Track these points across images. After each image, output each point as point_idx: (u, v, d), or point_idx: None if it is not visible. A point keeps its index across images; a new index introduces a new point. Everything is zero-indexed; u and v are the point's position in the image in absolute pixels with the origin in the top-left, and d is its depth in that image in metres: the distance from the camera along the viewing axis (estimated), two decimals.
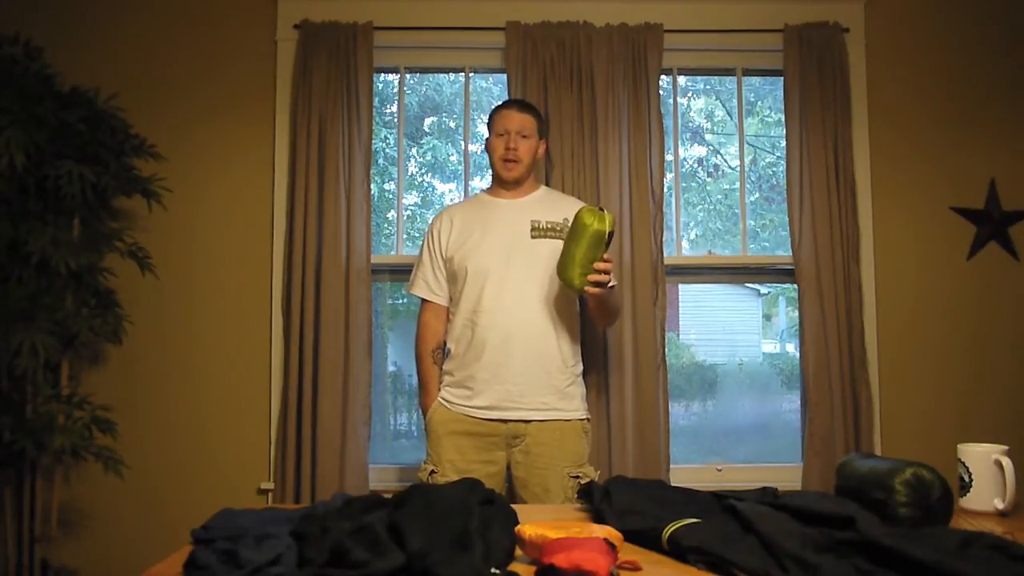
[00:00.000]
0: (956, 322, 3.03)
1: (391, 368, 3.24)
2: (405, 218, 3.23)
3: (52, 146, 2.57)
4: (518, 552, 1.22)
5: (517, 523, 1.27)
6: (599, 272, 2.16)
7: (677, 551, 1.23)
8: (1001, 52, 3.10)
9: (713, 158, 3.45)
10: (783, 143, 3.02)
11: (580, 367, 2.45)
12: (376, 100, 3.03)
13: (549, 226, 2.38)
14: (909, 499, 1.34)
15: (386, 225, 3.25)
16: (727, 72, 3.21)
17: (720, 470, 3.03)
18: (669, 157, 3.04)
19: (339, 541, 1.13)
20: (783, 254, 3.09)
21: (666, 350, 2.88)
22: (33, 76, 2.65)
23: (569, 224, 2.22)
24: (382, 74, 3.20)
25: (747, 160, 3.26)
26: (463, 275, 2.39)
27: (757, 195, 3.39)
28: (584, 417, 2.41)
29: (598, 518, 1.43)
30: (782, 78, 3.01)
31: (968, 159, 3.07)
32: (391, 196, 3.24)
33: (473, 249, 2.40)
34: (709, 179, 3.44)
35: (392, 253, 3.12)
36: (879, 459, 1.49)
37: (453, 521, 1.18)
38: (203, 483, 2.91)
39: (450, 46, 3.08)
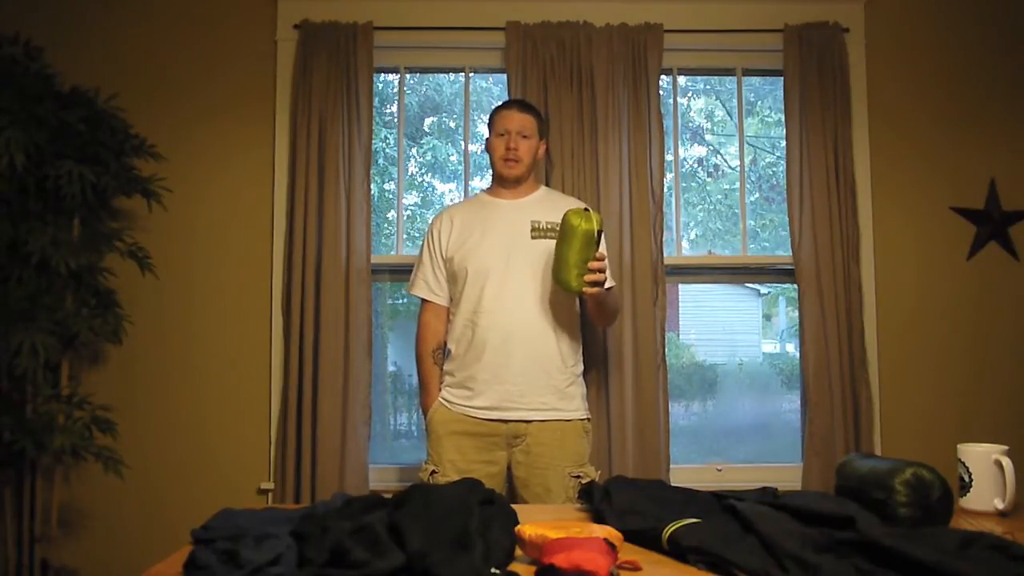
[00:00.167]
0: (956, 322, 3.03)
1: (391, 368, 3.24)
2: (405, 218, 3.23)
3: (52, 146, 2.57)
4: (518, 552, 1.22)
5: (517, 523, 1.27)
6: (594, 272, 2.16)
7: (677, 551, 1.23)
8: (1001, 52, 3.10)
9: (713, 158, 3.45)
10: (783, 143, 3.02)
11: (580, 367, 2.45)
12: (376, 100, 3.03)
13: (549, 226, 2.38)
14: (909, 499, 1.34)
15: (386, 225, 3.25)
16: (727, 72, 3.21)
17: (720, 470, 3.03)
18: (669, 157, 3.04)
19: (339, 541, 1.13)
20: (783, 254, 3.09)
21: (666, 350, 2.88)
22: (33, 76, 2.65)
23: None
24: (382, 74, 3.20)
25: (747, 160, 3.26)
26: (463, 275, 2.39)
27: (757, 195, 3.39)
28: (585, 417, 2.42)
29: (598, 518, 1.43)
30: (782, 78, 3.01)
31: (968, 159, 3.07)
32: (391, 196, 3.24)
33: (473, 249, 2.40)
34: (709, 179, 3.44)
35: (392, 253, 3.12)
36: (879, 459, 1.49)
37: (453, 521, 1.18)
38: (203, 483, 2.91)
39: (450, 46, 3.08)
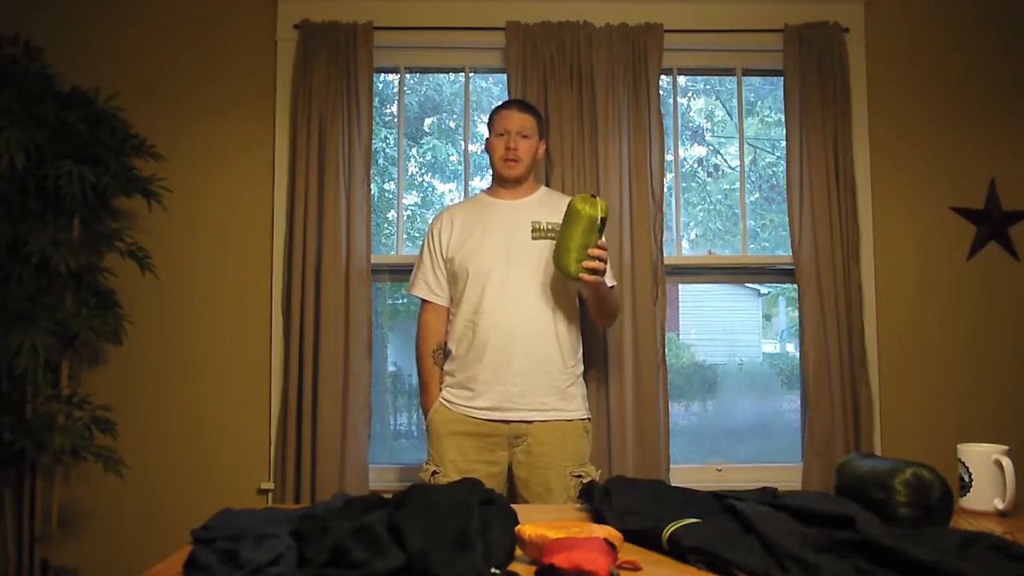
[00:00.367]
0: (956, 322, 3.03)
1: (391, 368, 3.24)
2: (405, 218, 3.23)
3: (52, 146, 2.57)
4: (518, 552, 1.22)
5: (517, 523, 1.27)
6: (593, 259, 2.15)
7: (677, 551, 1.23)
8: (1001, 52, 3.10)
9: (713, 158, 3.45)
10: (783, 143, 3.02)
11: (581, 367, 2.45)
12: (376, 100, 3.03)
13: (550, 227, 2.38)
14: (909, 499, 1.34)
15: (386, 225, 3.25)
16: (727, 72, 3.21)
17: (720, 470, 3.03)
18: (669, 157, 3.04)
19: (339, 541, 1.13)
20: (783, 254, 3.09)
21: (666, 350, 2.88)
22: (33, 76, 2.65)
23: None
24: (382, 74, 3.20)
25: (747, 160, 3.26)
26: (464, 276, 2.39)
27: (757, 195, 3.39)
28: (585, 417, 2.42)
29: (598, 518, 1.43)
30: (782, 78, 3.01)
31: (968, 159, 3.07)
32: (391, 196, 3.24)
33: (474, 250, 2.40)
34: (709, 179, 3.44)
35: (392, 253, 3.12)
36: (879, 459, 1.49)
37: (453, 521, 1.18)
38: (203, 483, 2.91)
39: (450, 46, 3.08)
